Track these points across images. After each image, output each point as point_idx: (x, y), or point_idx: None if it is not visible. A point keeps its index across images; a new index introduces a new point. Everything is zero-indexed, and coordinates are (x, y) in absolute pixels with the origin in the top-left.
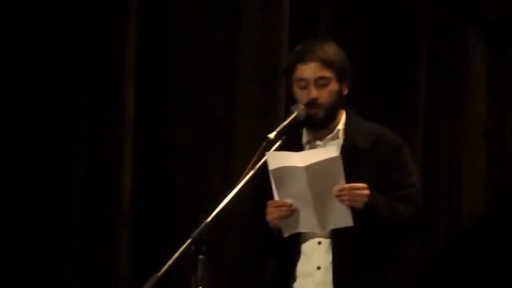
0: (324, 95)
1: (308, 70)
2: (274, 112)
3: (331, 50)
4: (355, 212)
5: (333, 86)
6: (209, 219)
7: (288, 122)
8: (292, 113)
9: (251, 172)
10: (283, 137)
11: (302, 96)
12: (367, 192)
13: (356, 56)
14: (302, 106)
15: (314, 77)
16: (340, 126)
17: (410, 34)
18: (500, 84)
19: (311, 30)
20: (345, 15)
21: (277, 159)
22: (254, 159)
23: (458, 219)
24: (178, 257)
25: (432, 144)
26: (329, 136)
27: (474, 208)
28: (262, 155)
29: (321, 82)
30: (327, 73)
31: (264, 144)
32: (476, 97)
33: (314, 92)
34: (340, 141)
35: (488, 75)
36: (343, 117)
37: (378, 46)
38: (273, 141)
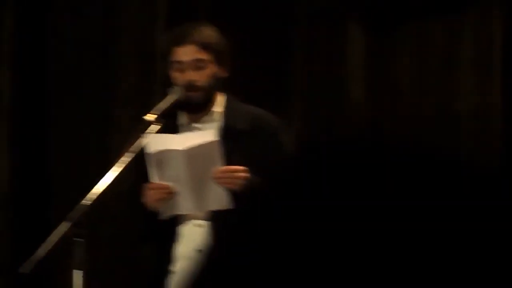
0: (201, 78)
1: (185, 53)
2: (153, 96)
3: (208, 32)
4: (234, 194)
5: (210, 69)
6: (86, 201)
7: (166, 105)
8: (170, 95)
9: (129, 155)
10: (161, 119)
11: (179, 79)
12: (245, 174)
13: (235, 40)
14: (179, 89)
15: (191, 59)
16: (218, 108)
17: (289, 19)
18: (378, 70)
19: (189, 17)
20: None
21: (155, 141)
22: (132, 141)
23: None
24: (54, 240)
25: (308, 129)
26: (206, 119)
27: None
28: (140, 138)
29: (198, 65)
30: (204, 56)
31: (141, 126)
32: (354, 84)
33: (191, 75)
34: (218, 123)
35: (366, 61)
36: (221, 100)
37: (258, 30)
38: (151, 124)
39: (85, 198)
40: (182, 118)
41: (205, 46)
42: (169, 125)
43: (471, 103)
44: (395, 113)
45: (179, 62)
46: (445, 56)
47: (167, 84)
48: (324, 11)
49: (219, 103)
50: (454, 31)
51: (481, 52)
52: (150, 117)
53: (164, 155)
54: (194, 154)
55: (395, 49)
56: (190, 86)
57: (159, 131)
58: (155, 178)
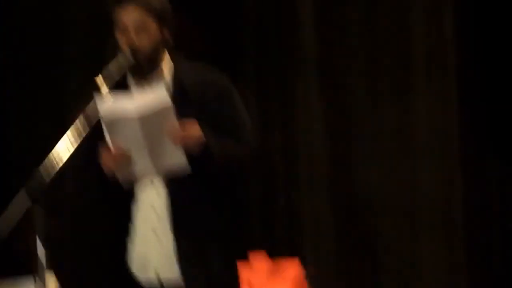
0: (144, 41)
1: (127, 15)
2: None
3: None
4: (189, 154)
5: (154, 31)
6: (42, 170)
7: (115, 69)
8: (118, 60)
9: (83, 121)
10: (111, 83)
11: (123, 41)
12: (199, 133)
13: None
14: (127, 54)
15: (134, 22)
16: (166, 69)
17: None
18: (328, 10)
19: None
20: None
21: (108, 107)
22: (85, 107)
23: (293, 149)
24: (13, 210)
25: (262, 76)
26: (155, 80)
27: (307, 137)
28: (93, 103)
29: (141, 27)
30: (146, 18)
31: (93, 91)
32: (305, 24)
33: (134, 38)
34: (167, 84)
35: (315, 2)
36: (168, 61)
37: None
38: (101, 88)
39: (41, 165)
40: (133, 81)
41: (147, 9)
42: (120, 87)
43: None
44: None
45: (123, 24)
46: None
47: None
48: None
49: (167, 63)
50: None
51: None
52: (100, 79)
53: (117, 120)
54: (147, 117)
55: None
56: (133, 49)
57: (110, 93)
58: (110, 142)
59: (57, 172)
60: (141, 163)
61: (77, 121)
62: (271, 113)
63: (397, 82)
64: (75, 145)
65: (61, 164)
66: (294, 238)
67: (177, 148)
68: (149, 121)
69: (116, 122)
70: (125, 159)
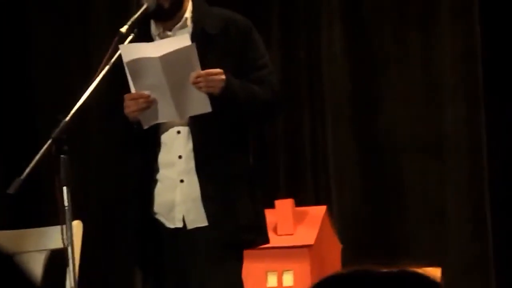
0: None
1: None
2: (128, 7)
3: None
4: (213, 98)
5: None
6: (67, 118)
7: (139, 14)
8: (142, 5)
9: (107, 67)
10: (135, 30)
11: None
12: (222, 77)
13: None
14: None
15: None
16: (188, 14)
17: None
18: None
19: None
20: None
21: (131, 51)
22: (109, 53)
23: (320, 98)
24: (39, 158)
25: (288, 23)
26: (177, 25)
27: (334, 78)
28: (116, 49)
29: None
30: None
31: (116, 38)
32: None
33: None
34: (189, 29)
35: None
36: (189, 6)
37: None
38: (126, 35)
39: (66, 114)
40: (155, 27)
41: None
42: (143, 36)
43: None
44: None
45: None
46: None
47: None
48: None
49: (189, 9)
50: None
51: None
52: (124, 28)
53: (140, 64)
54: (170, 60)
55: None
56: None
57: (133, 42)
58: (133, 87)
59: (82, 121)
60: (164, 106)
61: (101, 68)
62: (294, 53)
63: (422, 18)
64: (100, 93)
65: (86, 113)
66: (319, 181)
67: (201, 92)
68: (170, 61)
69: (139, 66)
70: (148, 102)
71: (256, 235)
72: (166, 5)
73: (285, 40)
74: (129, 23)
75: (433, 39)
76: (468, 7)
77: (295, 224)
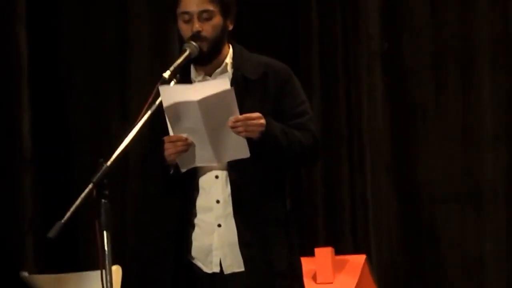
0: (207, 29)
1: (191, 3)
2: (168, 49)
3: None
4: (252, 142)
5: (217, 20)
6: (109, 162)
7: (182, 60)
8: (185, 51)
9: (148, 112)
10: (178, 75)
11: (186, 30)
12: (262, 121)
13: None
14: (194, 44)
15: (197, 10)
16: (228, 59)
17: None
18: (392, 5)
19: None
20: None
21: (170, 94)
22: (150, 98)
23: (359, 140)
24: (80, 202)
25: (327, 67)
26: (218, 70)
27: (373, 125)
28: (157, 93)
29: (204, 16)
30: (210, 7)
31: (159, 83)
32: (370, 19)
33: (197, 26)
34: (229, 74)
35: None
36: (230, 51)
37: None
38: (168, 80)
39: (107, 158)
40: (196, 72)
41: None
42: (184, 81)
43: None
44: None
45: (186, 13)
46: None
47: (182, 40)
48: None
49: (229, 55)
50: None
51: None
52: (167, 73)
53: (179, 107)
54: (208, 103)
55: None
56: (197, 37)
57: (174, 85)
58: (172, 131)
59: (122, 165)
60: (202, 150)
61: (143, 113)
62: (335, 99)
63: (462, 65)
64: (140, 138)
65: (126, 157)
66: (358, 229)
67: (239, 136)
68: (209, 104)
69: (178, 109)
70: (187, 145)
71: (292, 282)
72: (205, 48)
73: (325, 86)
74: (171, 68)
75: (473, 86)
76: (509, 54)
77: (334, 272)
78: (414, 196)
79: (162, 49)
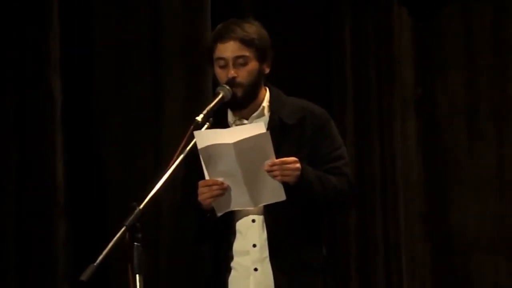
0: (243, 74)
1: (227, 49)
2: (202, 94)
3: (251, 29)
4: (288, 187)
5: (253, 65)
6: (141, 206)
7: (215, 104)
8: (218, 94)
9: (182, 155)
10: (211, 119)
11: (221, 75)
12: (298, 165)
13: (281, 32)
14: (227, 87)
15: (233, 56)
16: (265, 103)
17: (334, 5)
18: (426, 51)
19: (234, 11)
20: None
21: (205, 138)
22: (184, 141)
23: (393, 187)
24: (113, 245)
25: (362, 114)
26: (255, 114)
27: (407, 172)
28: (191, 137)
29: (240, 61)
30: (246, 52)
31: (192, 126)
32: (404, 65)
33: (232, 72)
34: (266, 118)
35: (414, 43)
36: (266, 95)
37: (303, 20)
38: (201, 123)
39: (140, 202)
40: (232, 116)
41: (247, 42)
42: (219, 124)
43: None
44: None
45: (222, 59)
46: None
47: (217, 82)
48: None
49: (266, 99)
50: None
51: None
52: (200, 117)
53: (214, 150)
54: (244, 146)
55: None
56: (232, 82)
57: (209, 129)
58: (207, 174)
59: (156, 209)
60: (238, 193)
61: (176, 157)
62: (368, 145)
63: (495, 112)
64: (174, 182)
65: (160, 200)
66: (392, 278)
67: (275, 180)
68: (244, 148)
69: (213, 152)
70: (222, 189)
71: None
72: (240, 93)
73: (358, 132)
74: (204, 111)
75: (506, 134)
76: None
77: None
78: (447, 244)
79: (195, 94)
